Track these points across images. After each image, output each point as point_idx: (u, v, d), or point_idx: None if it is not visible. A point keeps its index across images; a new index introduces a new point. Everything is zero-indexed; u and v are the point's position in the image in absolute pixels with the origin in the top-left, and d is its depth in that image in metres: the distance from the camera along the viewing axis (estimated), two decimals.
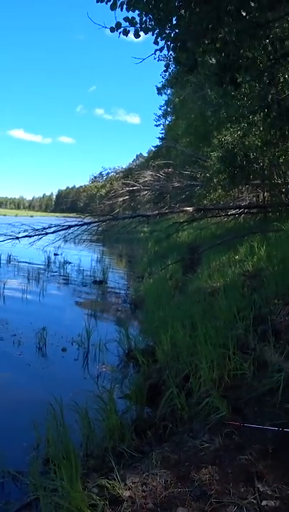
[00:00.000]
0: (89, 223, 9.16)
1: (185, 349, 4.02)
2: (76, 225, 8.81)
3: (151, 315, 6.40)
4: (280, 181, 13.10)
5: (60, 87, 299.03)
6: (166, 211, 12.72)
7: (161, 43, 4.95)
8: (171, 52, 5.19)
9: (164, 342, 4.43)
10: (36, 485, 2.47)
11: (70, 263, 14.63)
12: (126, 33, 4.76)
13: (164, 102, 41.47)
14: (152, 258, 14.18)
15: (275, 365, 3.32)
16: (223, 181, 14.48)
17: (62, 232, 8.67)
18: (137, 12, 4.72)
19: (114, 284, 11.66)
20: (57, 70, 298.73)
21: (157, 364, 4.38)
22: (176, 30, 4.77)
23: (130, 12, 4.69)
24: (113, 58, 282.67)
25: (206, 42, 4.67)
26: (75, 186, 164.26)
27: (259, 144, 11.41)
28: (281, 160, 11.91)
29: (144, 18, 4.74)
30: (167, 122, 42.68)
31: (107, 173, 59.18)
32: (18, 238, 8.38)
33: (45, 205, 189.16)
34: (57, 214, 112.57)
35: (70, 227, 8.65)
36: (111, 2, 4.66)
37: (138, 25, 4.75)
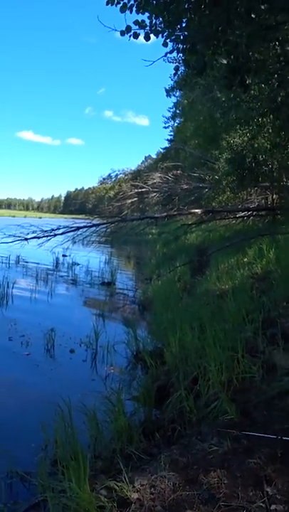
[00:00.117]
0: (97, 225, 9.20)
1: (193, 351, 4.01)
2: (85, 227, 8.87)
3: (159, 317, 6.38)
4: None
5: (70, 89, 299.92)
6: (175, 213, 12.75)
7: (171, 45, 4.97)
8: (180, 54, 5.21)
9: (173, 344, 4.42)
10: (44, 486, 2.48)
11: (78, 264, 14.66)
12: (136, 36, 4.78)
13: (172, 104, 41.57)
14: (160, 260, 14.14)
15: (285, 368, 3.31)
16: (232, 183, 14.48)
17: (71, 233, 8.73)
18: (146, 14, 4.75)
19: (123, 286, 11.65)
20: (66, 73, 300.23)
21: (165, 366, 4.37)
22: (186, 33, 4.78)
23: (140, 14, 4.72)
24: (122, 60, 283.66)
25: (216, 44, 4.66)
26: (83, 188, 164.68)
27: (268, 146, 11.39)
28: None
29: (153, 21, 4.76)
30: (176, 124, 42.72)
31: (116, 175, 59.64)
32: (26, 239, 8.47)
33: (54, 206, 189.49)
34: (65, 215, 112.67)
35: (78, 228, 8.72)
36: (121, 4, 4.70)
37: (148, 28, 4.77)
